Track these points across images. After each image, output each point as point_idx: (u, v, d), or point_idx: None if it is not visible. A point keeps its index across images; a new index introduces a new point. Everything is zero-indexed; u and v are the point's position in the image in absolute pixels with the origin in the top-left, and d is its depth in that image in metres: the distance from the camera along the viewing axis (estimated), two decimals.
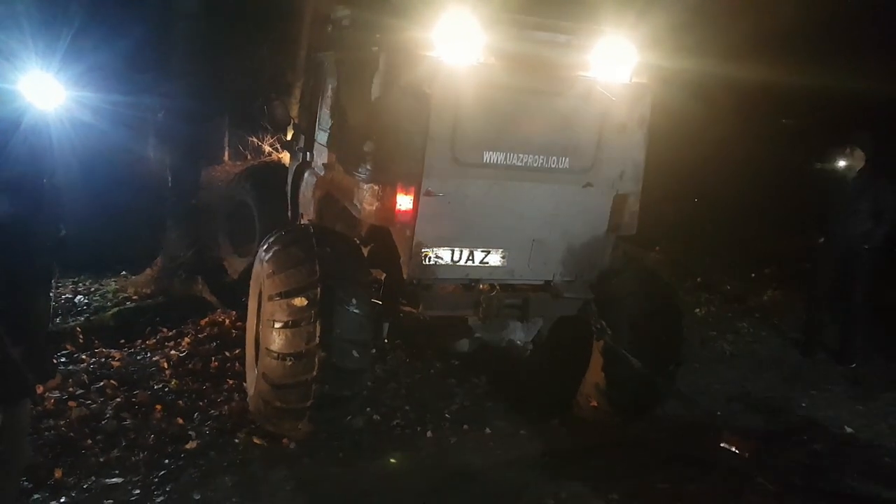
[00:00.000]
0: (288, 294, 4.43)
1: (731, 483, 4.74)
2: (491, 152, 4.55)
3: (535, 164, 4.65)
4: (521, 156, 4.61)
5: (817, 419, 5.86)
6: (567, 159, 4.71)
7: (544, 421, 5.41)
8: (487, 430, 5.26)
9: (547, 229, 4.83)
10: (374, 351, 4.83)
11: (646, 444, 5.16)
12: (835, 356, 6.99)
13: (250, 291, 5.17)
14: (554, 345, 5.71)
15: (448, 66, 4.34)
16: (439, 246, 4.70)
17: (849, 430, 5.71)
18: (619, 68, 4.64)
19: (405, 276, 4.74)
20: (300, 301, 4.39)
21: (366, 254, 5.04)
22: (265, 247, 4.82)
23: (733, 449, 4.89)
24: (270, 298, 4.50)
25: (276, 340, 4.42)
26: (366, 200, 4.57)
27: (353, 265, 4.68)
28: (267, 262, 4.67)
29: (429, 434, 5.13)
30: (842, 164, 6.62)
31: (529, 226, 4.79)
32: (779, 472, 4.97)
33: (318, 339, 4.34)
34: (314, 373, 4.36)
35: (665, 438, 5.25)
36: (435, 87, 4.34)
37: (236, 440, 4.77)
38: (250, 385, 4.96)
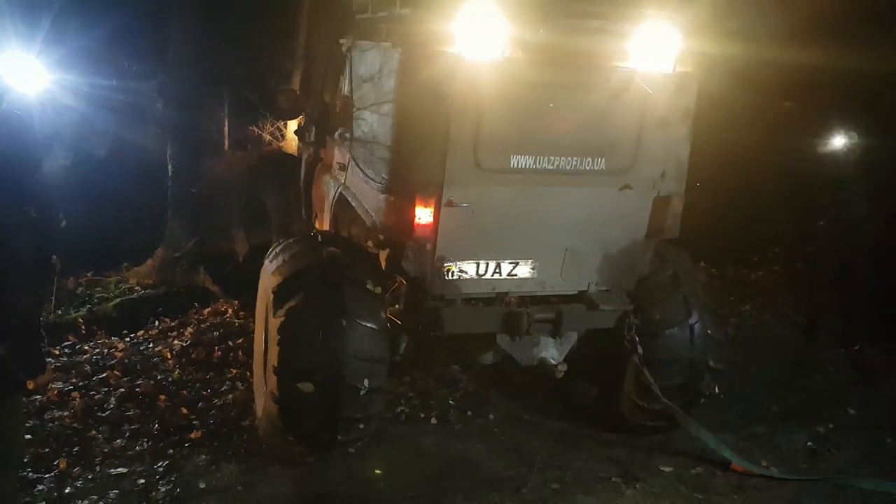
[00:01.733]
0: None
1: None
2: (519, 156, 4.13)
3: (568, 167, 4.23)
4: (552, 158, 4.18)
5: (820, 401, 5.85)
6: (603, 160, 4.27)
7: (547, 406, 5.42)
8: (491, 416, 5.28)
9: (580, 236, 4.44)
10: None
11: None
12: (838, 338, 6.98)
13: (257, 304, 4.86)
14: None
15: (469, 63, 3.91)
16: (463, 259, 4.30)
17: (851, 411, 5.71)
18: (661, 56, 4.18)
19: (426, 293, 4.38)
20: None
21: (383, 259, 4.69)
22: (271, 259, 4.55)
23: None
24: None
25: None
26: (382, 212, 4.24)
27: (367, 292, 4.30)
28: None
29: (433, 421, 5.16)
30: (839, 144, 6.59)
31: (561, 233, 4.40)
32: (781, 455, 4.99)
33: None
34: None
35: (669, 424, 5.25)
36: (455, 86, 3.91)
37: (240, 429, 4.79)
38: (259, 405, 4.72)
